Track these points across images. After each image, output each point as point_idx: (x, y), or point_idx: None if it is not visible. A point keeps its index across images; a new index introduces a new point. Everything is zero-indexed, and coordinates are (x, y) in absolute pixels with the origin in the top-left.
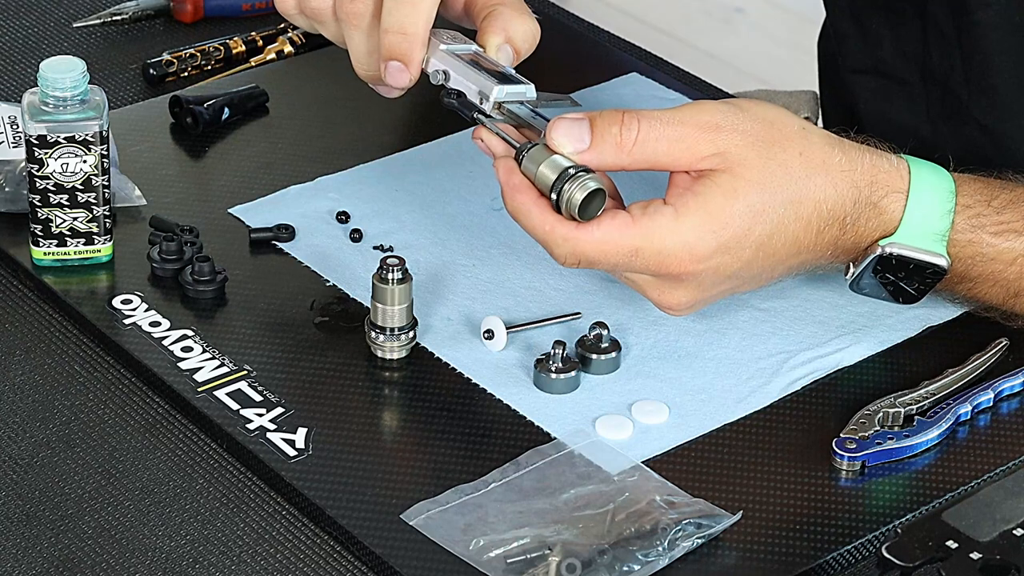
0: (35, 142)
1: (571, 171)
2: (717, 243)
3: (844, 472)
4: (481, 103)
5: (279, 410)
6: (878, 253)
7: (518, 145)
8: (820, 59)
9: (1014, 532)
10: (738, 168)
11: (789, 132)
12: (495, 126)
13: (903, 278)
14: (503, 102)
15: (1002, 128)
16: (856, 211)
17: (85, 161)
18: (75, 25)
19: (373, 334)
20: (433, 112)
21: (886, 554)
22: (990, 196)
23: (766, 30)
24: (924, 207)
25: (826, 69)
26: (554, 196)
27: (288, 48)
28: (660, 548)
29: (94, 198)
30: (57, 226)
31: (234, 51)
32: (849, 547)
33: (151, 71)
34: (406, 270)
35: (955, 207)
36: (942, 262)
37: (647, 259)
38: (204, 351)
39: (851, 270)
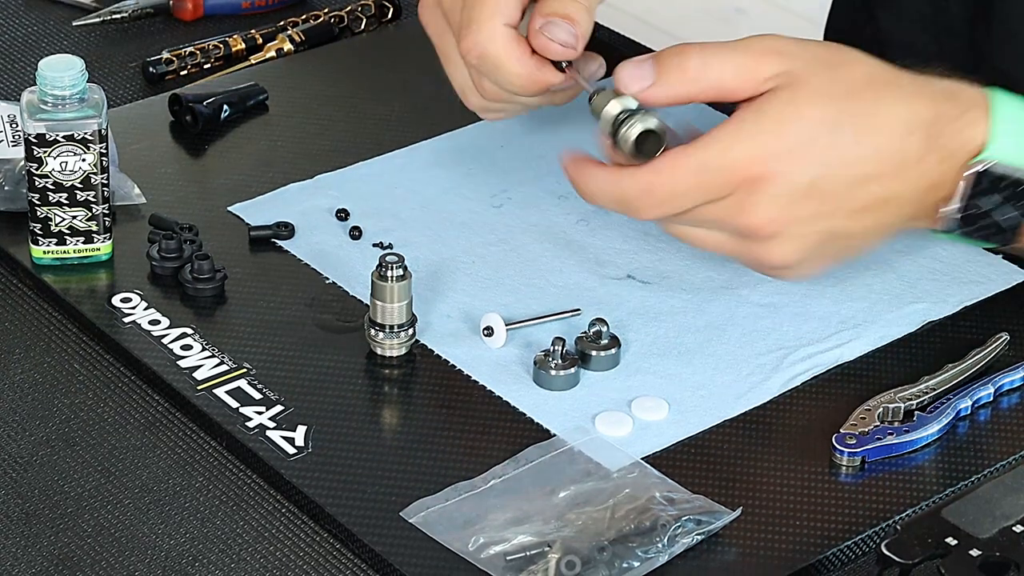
0: (34, 140)
1: (631, 110)
2: (780, 144)
3: (844, 468)
4: None
5: (278, 408)
6: (976, 169)
7: (591, 89)
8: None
9: (1014, 529)
10: (801, 83)
11: (855, 56)
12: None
13: (1001, 204)
14: None
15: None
16: (939, 126)
17: (84, 159)
18: (74, 23)
19: (372, 331)
20: (432, 110)
21: (886, 551)
22: None
23: (766, 30)
24: (1011, 122)
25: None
26: (613, 138)
27: (288, 46)
28: (660, 545)
29: (93, 196)
30: (56, 225)
31: (234, 49)
32: (848, 543)
33: (151, 69)
34: (405, 267)
35: None
36: None
37: (713, 174)
38: (204, 349)
39: (945, 209)
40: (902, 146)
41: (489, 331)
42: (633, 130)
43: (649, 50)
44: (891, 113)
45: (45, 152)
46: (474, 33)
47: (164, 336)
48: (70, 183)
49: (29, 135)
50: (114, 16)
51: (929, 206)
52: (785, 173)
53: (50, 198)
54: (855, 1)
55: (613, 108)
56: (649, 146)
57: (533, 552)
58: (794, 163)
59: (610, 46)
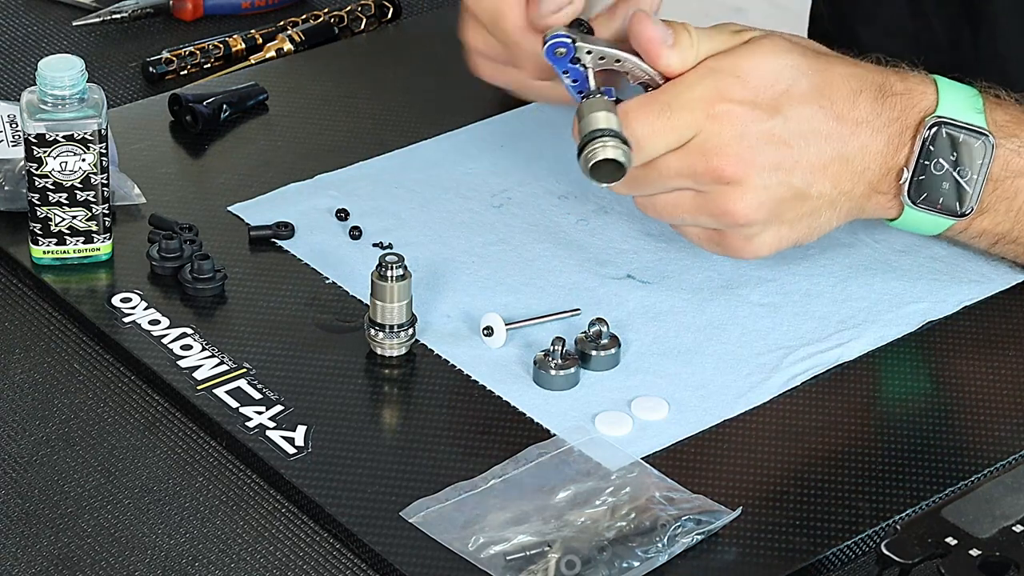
0: (34, 140)
1: (612, 131)
2: (742, 86)
3: None
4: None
5: (278, 408)
6: (929, 124)
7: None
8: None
9: (1014, 528)
10: (765, 37)
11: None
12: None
13: (955, 164)
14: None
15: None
16: (886, 89)
17: (84, 159)
18: (74, 23)
19: (372, 331)
20: (432, 110)
21: (885, 551)
22: (1014, 114)
23: (766, 30)
24: (956, 93)
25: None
26: (580, 149)
27: (288, 46)
28: (660, 544)
29: (93, 196)
30: (56, 225)
31: (234, 49)
32: (848, 543)
33: (150, 69)
34: (405, 267)
35: (983, 106)
36: (990, 138)
37: (678, 112)
38: (203, 349)
39: (904, 174)
40: (854, 102)
41: (489, 331)
42: (596, 154)
43: None
44: (841, 72)
45: (45, 152)
46: None
47: (164, 336)
48: (70, 183)
49: (29, 135)
50: (114, 16)
51: (887, 174)
52: (748, 113)
53: (50, 198)
54: (834, 17)
55: (597, 121)
56: (605, 173)
57: (533, 552)
58: (756, 105)
59: None
